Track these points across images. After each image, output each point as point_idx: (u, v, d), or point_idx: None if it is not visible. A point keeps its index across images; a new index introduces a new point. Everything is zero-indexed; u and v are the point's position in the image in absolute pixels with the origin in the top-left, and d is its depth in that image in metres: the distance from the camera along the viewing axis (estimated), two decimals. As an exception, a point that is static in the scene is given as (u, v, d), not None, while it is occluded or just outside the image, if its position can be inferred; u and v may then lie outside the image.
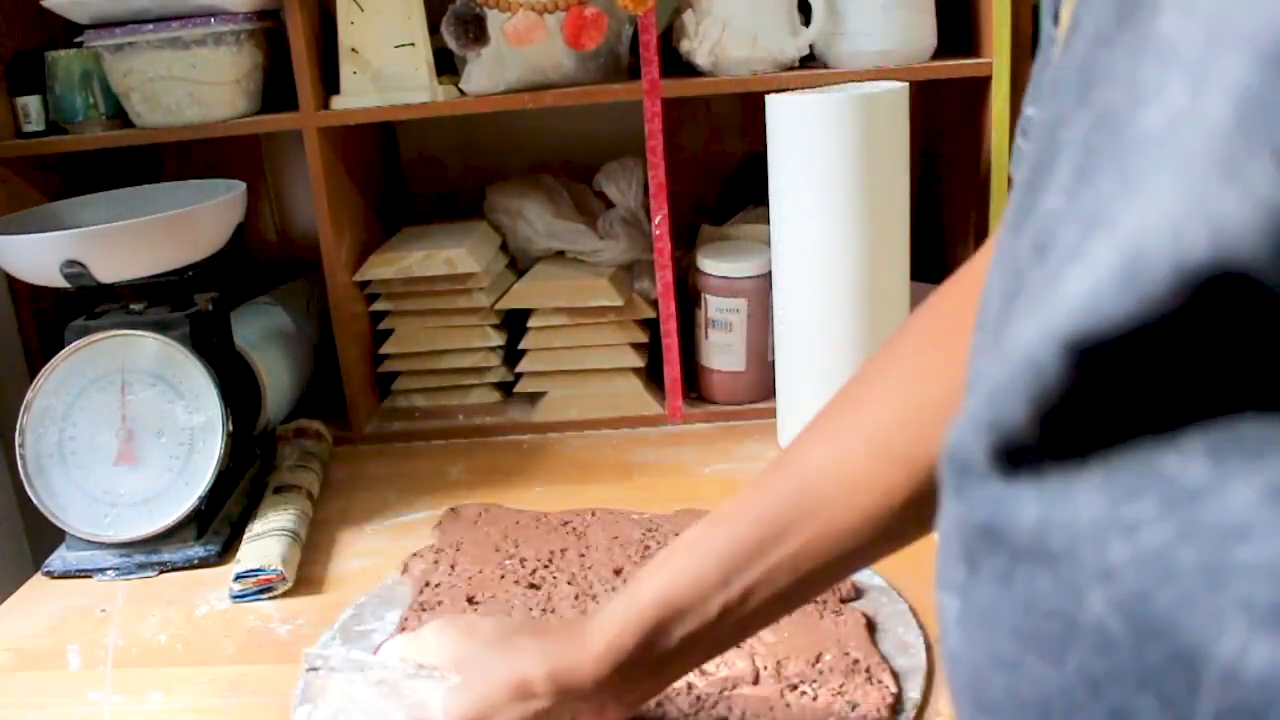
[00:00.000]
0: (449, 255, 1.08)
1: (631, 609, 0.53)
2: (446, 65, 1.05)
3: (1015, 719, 0.23)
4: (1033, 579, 0.22)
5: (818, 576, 0.51)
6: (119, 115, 1.06)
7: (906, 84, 0.94)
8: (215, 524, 0.90)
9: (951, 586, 0.26)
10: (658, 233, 1.04)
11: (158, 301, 0.91)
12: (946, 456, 0.25)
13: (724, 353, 1.08)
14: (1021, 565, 0.23)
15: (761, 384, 1.09)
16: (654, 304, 1.09)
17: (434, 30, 1.01)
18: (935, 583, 0.28)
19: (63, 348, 0.88)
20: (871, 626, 0.70)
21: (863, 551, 0.50)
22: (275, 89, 1.07)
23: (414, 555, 0.85)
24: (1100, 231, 0.21)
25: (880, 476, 0.49)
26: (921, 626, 0.70)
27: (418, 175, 1.31)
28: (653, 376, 1.12)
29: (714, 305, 1.07)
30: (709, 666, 0.66)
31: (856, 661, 0.66)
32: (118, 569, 0.87)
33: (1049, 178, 0.25)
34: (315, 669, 0.60)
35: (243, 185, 0.97)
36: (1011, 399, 0.22)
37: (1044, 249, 0.24)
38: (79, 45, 1.02)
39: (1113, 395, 0.21)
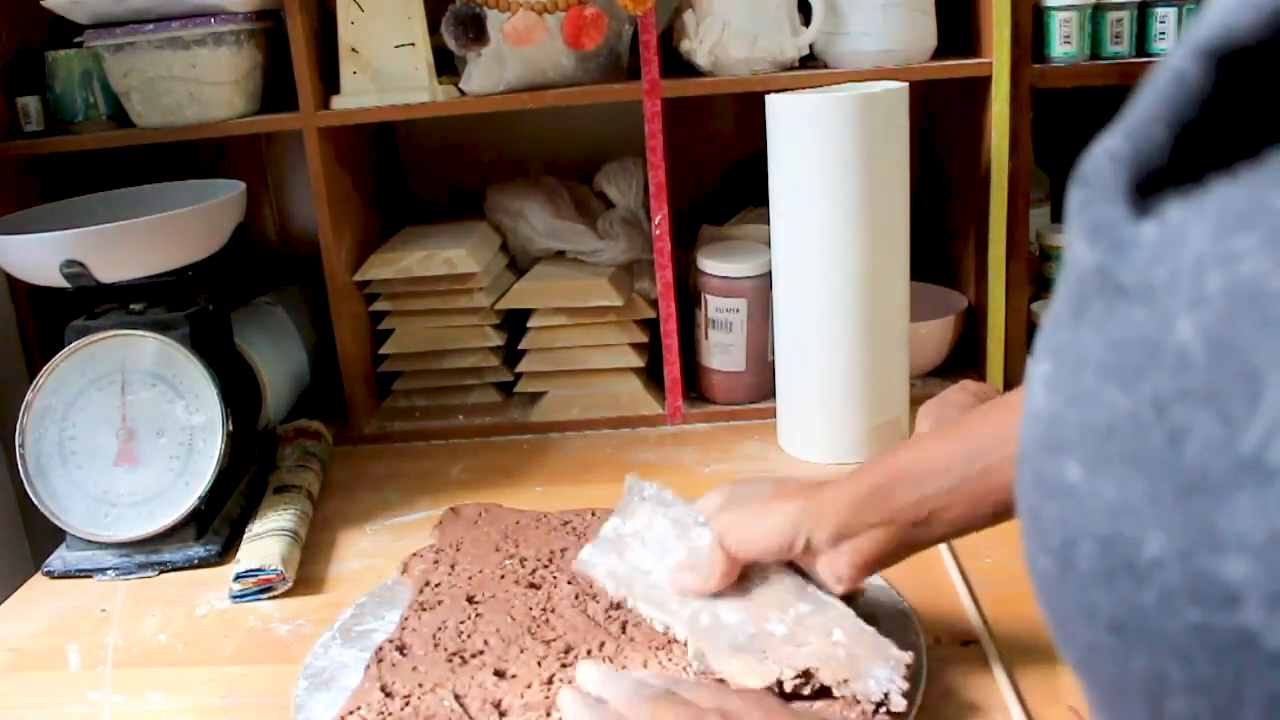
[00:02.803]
0: (449, 255, 1.08)
1: (877, 462, 0.64)
2: (446, 65, 1.05)
3: (1080, 451, 0.25)
4: (1129, 314, 0.24)
5: None
6: (119, 115, 1.06)
7: (906, 84, 0.94)
8: (215, 524, 0.90)
9: (1047, 350, 0.28)
10: (658, 233, 1.04)
11: (158, 301, 0.91)
12: (1082, 202, 0.27)
13: (724, 353, 1.08)
14: (1120, 302, 0.25)
15: (761, 384, 1.09)
16: (654, 304, 1.09)
17: (434, 30, 1.01)
18: (1029, 363, 0.30)
19: (63, 348, 0.88)
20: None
21: None
22: (275, 89, 1.07)
23: (414, 555, 0.85)
24: None
25: None
26: (920, 626, 0.70)
27: (418, 175, 1.31)
28: (653, 376, 1.12)
29: (714, 305, 1.07)
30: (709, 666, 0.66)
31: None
32: (118, 569, 0.87)
33: None
34: (634, 494, 0.76)
35: (243, 185, 0.97)
36: (1153, 121, 0.24)
37: None
38: (79, 45, 1.02)
39: (1241, 114, 0.23)
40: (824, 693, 0.62)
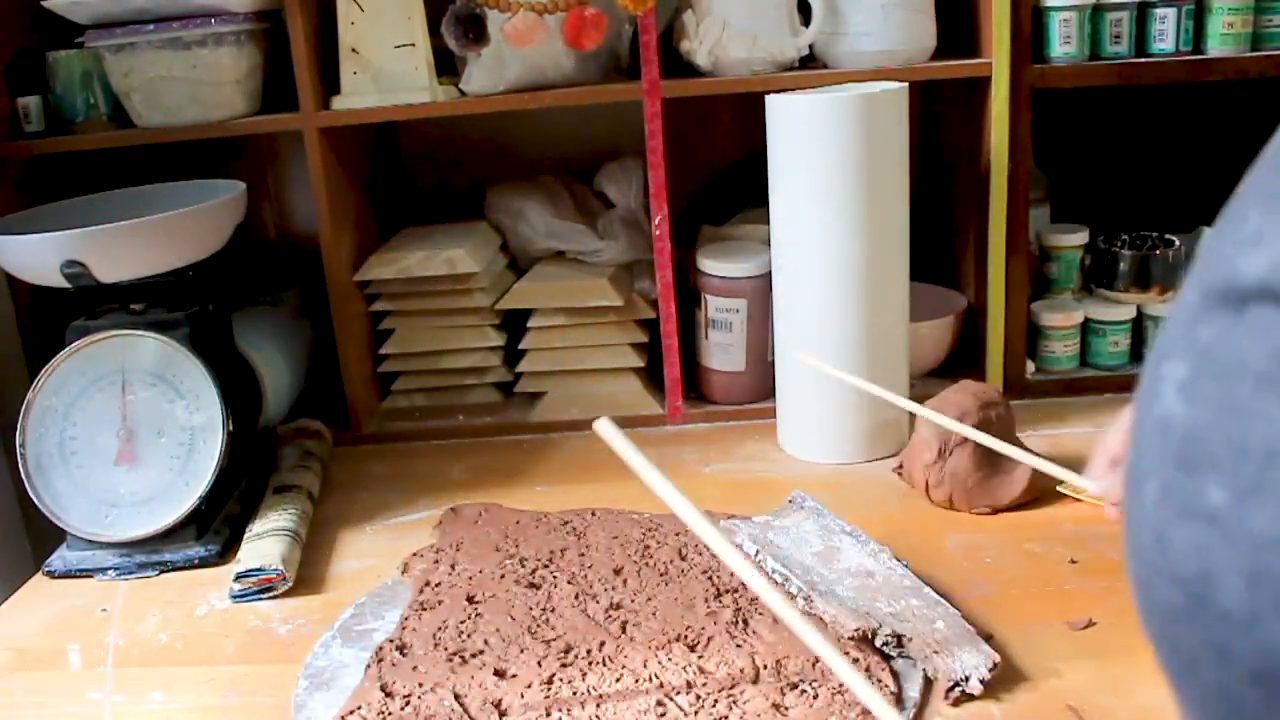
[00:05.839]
0: (449, 255, 1.08)
1: None
2: (446, 65, 1.05)
3: (1228, 473, 0.22)
4: None
5: None
6: (119, 115, 1.06)
7: (906, 84, 0.94)
8: (215, 524, 0.90)
9: (1184, 349, 0.25)
10: (658, 233, 1.04)
11: (158, 301, 0.91)
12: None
13: (724, 353, 1.08)
14: None
15: (761, 384, 1.09)
16: (654, 304, 1.09)
17: (434, 30, 1.01)
18: (1155, 359, 0.27)
19: (63, 348, 0.88)
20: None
21: None
22: (275, 89, 1.07)
23: (414, 555, 0.85)
24: None
25: None
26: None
27: (418, 175, 1.31)
28: (653, 376, 1.12)
29: (714, 305, 1.07)
30: (709, 666, 0.67)
31: (856, 661, 0.66)
32: (118, 569, 0.87)
33: None
34: (794, 503, 0.83)
35: (243, 185, 0.97)
36: None
37: None
38: (79, 45, 1.02)
39: None
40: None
